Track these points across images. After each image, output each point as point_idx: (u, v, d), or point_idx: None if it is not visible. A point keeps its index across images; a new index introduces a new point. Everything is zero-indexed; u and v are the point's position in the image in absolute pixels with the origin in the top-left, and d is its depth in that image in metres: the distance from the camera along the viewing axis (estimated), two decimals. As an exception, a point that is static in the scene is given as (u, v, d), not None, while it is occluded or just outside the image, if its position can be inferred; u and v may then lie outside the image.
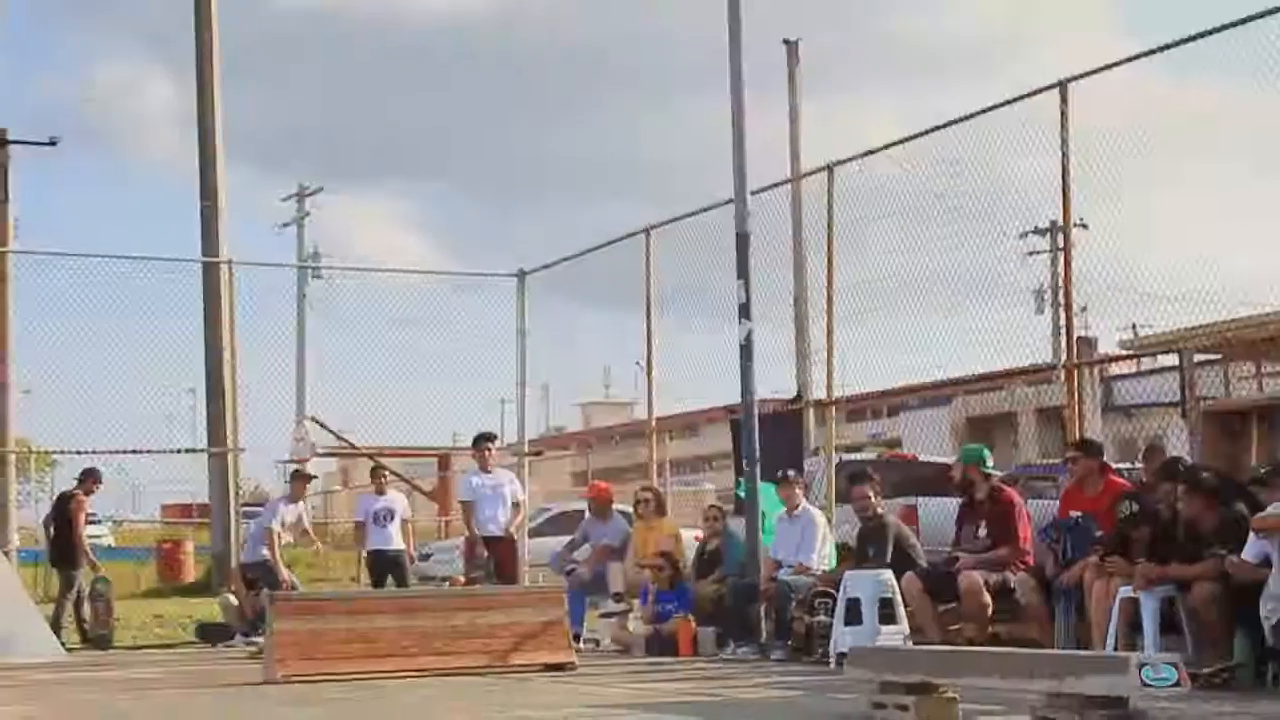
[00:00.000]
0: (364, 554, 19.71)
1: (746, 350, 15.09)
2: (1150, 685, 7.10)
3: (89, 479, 19.05)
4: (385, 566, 18.76)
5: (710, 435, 46.98)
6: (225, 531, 24.05)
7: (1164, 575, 10.86)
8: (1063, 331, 16.17)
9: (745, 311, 15.12)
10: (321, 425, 26.44)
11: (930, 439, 31.15)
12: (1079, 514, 12.34)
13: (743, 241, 15.22)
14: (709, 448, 51.06)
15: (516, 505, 17.88)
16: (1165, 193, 15.29)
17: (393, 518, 18.89)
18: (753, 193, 15.78)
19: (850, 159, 17.13)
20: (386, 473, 19.63)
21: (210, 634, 18.80)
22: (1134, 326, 23.63)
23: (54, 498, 21.42)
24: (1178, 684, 7.15)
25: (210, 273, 24.61)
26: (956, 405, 35.91)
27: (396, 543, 18.85)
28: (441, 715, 9.50)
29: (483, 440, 18.01)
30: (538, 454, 25.76)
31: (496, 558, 17.40)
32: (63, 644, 17.15)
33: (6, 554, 22.34)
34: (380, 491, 19.39)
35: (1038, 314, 32.04)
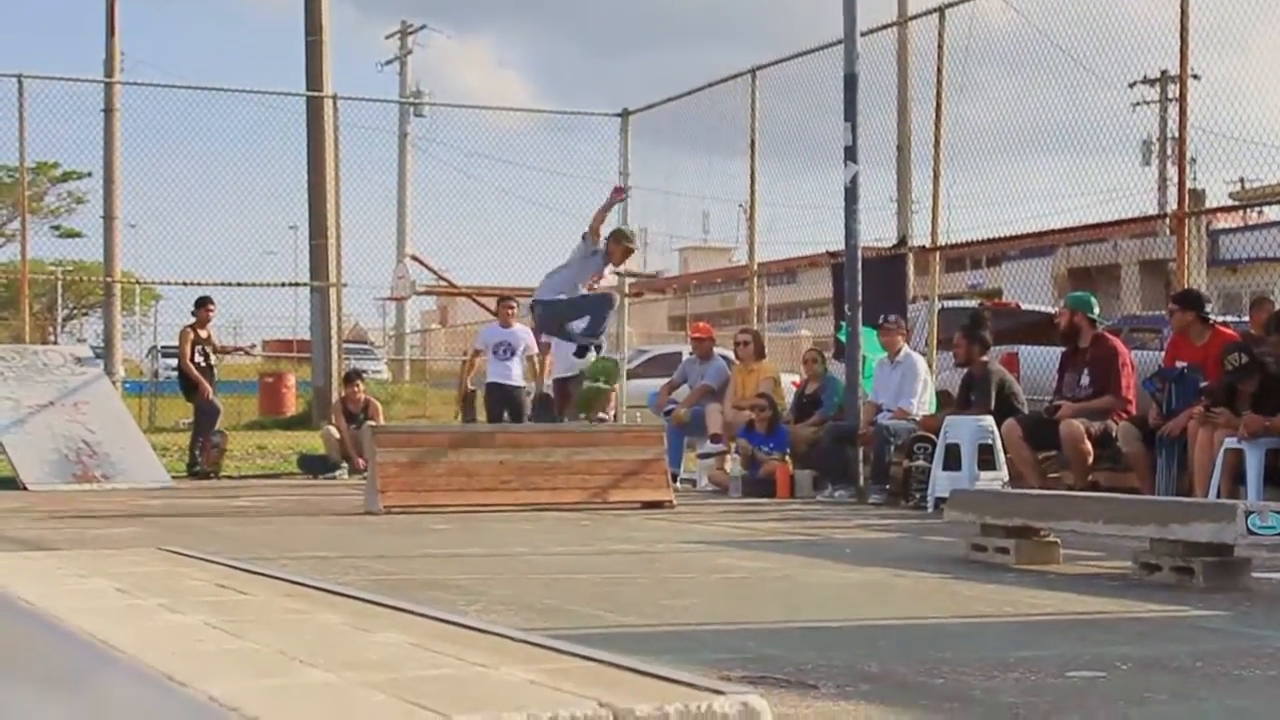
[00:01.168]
0: (472, 388, 19.32)
1: (851, 193, 14.95)
2: (1256, 533, 7.04)
3: (200, 307, 19.14)
4: (503, 402, 18.23)
5: (807, 281, 46.76)
6: (326, 366, 24.30)
7: (1271, 426, 10.74)
8: (1170, 183, 15.94)
9: (851, 154, 14.96)
10: (421, 263, 26.51)
11: (1032, 289, 30.83)
12: (1184, 364, 12.21)
13: (851, 83, 15.03)
14: (806, 294, 50.91)
15: (530, 358, 18.29)
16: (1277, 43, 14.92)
17: (513, 353, 18.35)
18: (862, 34, 15.54)
19: (961, 0, 16.82)
20: (514, 304, 18.75)
21: (312, 465, 19.07)
22: (1242, 181, 23.25)
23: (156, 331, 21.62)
24: (1285, 533, 7.10)
25: (314, 108, 24.62)
26: (1059, 256, 35.57)
27: (516, 378, 18.36)
28: (542, 545, 9.58)
29: (502, 302, 18.95)
30: (637, 295, 25.75)
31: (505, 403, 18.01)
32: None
33: (113, 384, 22.62)
34: (505, 324, 18.64)
35: (1144, 166, 31.56)
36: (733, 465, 15.76)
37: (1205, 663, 5.04)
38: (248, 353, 26.91)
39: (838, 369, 15.75)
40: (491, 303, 28.11)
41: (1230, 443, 10.92)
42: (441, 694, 2.69)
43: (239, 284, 22.29)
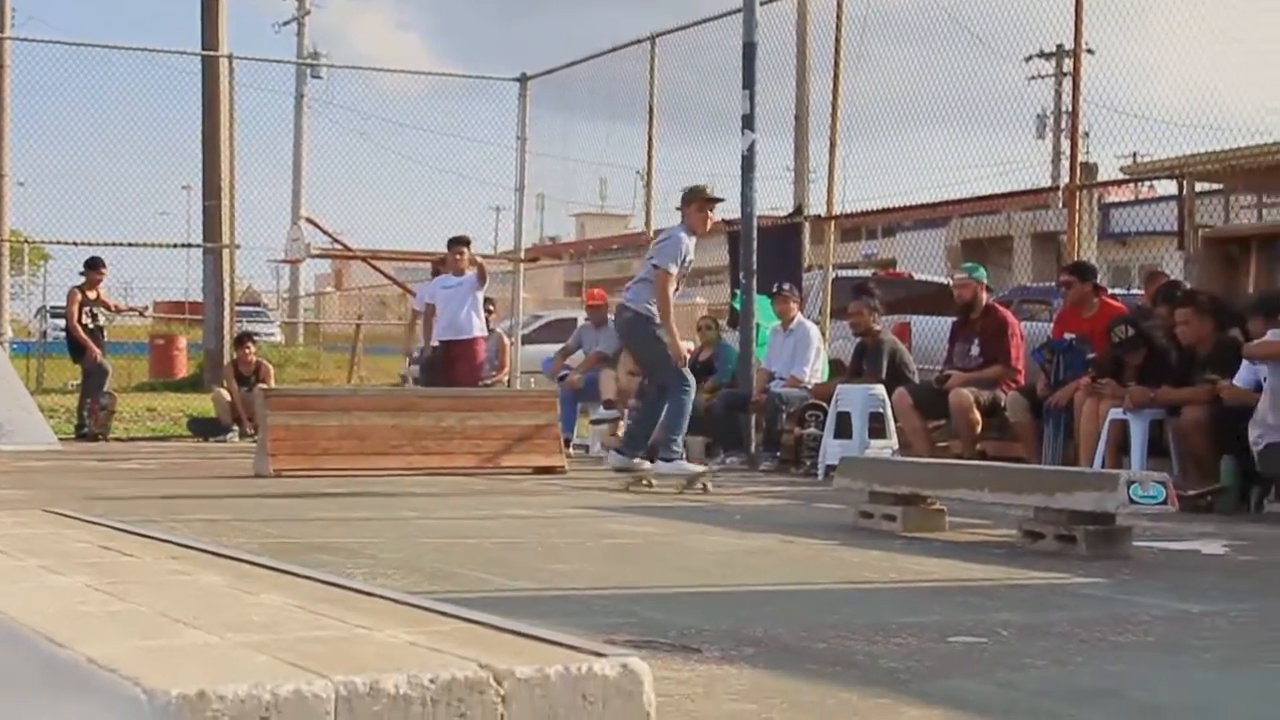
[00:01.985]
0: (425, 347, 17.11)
1: (748, 162, 15.00)
2: (1137, 503, 7.16)
3: (90, 269, 18.88)
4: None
5: (704, 249, 46.92)
6: (218, 329, 24.09)
7: (1155, 398, 10.91)
8: (1064, 156, 16.11)
9: (749, 123, 15.00)
10: (316, 226, 26.32)
11: (925, 260, 31.09)
12: (1073, 335, 12.36)
13: (749, 51, 15.06)
14: (702, 261, 50.98)
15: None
16: (1173, 21, 15.10)
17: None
18: (762, 3, 15.57)
19: (860, -30, 16.89)
20: (464, 249, 16.79)
21: (202, 428, 18.92)
22: (1134, 155, 23.53)
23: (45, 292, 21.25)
24: (1164, 503, 7.22)
25: (210, 68, 24.38)
26: (953, 227, 35.88)
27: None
28: (433, 509, 9.58)
29: (455, 243, 16.57)
30: (533, 260, 25.71)
31: (455, 360, 16.15)
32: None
33: (0, 345, 22.33)
34: (457, 272, 16.54)
35: (1038, 139, 31.84)
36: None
37: (1084, 629, 5.13)
38: (142, 314, 26.59)
39: (732, 336, 15.82)
40: (388, 267, 28.02)
41: (1115, 414, 11.08)
42: (322, 655, 2.69)
43: (130, 244, 22.03)
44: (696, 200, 12.03)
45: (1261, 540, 8.37)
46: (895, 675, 4.23)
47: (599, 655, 2.72)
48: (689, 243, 11.92)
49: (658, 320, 11.80)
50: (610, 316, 17.57)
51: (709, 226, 12.36)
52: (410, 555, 7.04)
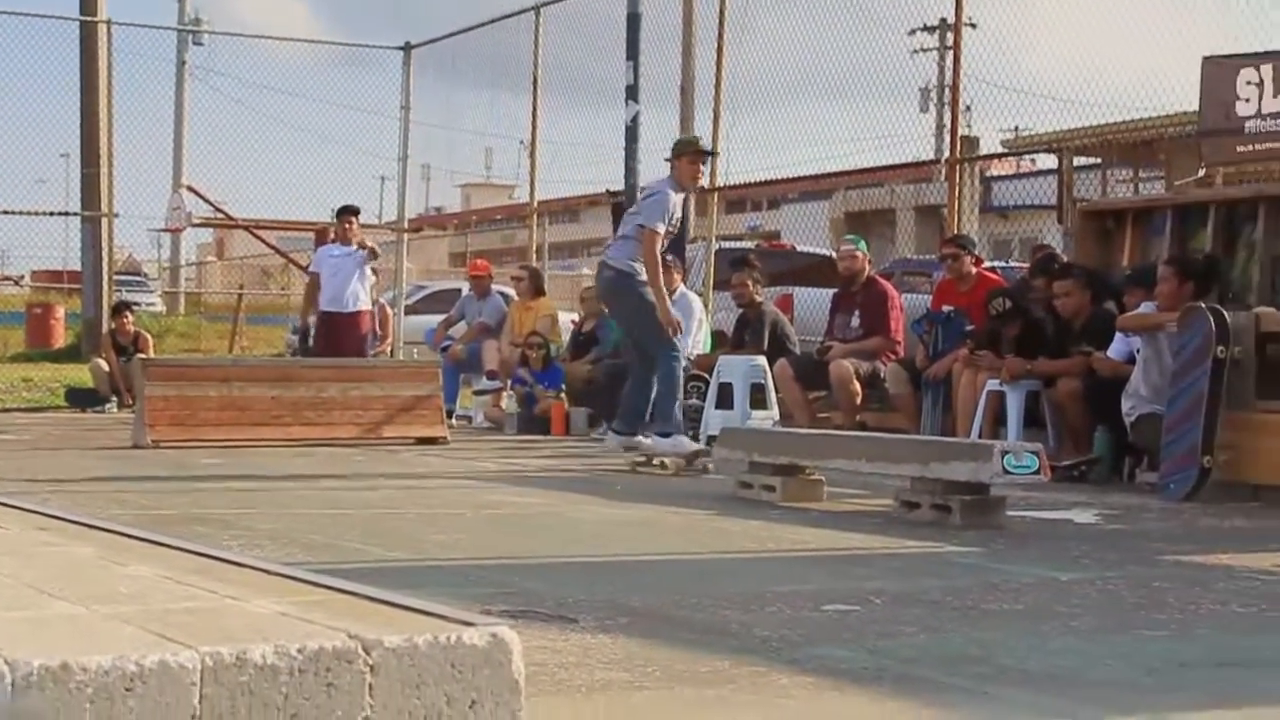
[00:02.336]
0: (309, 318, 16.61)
1: (632, 133, 15.05)
2: (1011, 472, 7.26)
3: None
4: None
5: (590, 220, 46.96)
6: (97, 298, 23.78)
7: (1031, 370, 11.04)
8: (946, 130, 16.25)
9: (633, 94, 15.05)
10: (198, 195, 26.02)
11: (809, 232, 31.24)
12: (951, 308, 12.48)
13: (634, 22, 15.09)
14: (588, 233, 51.07)
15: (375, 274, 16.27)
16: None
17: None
18: (646, -27, 15.60)
19: (744, -57, 16.93)
20: (354, 218, 16.48)
21: (80, 399, 18.67)
22: (1016, 129, 23.78)
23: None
24: (1037, 472, 7.32)
25: (88, 33, 23.99)
26: (836, 200, 36.07)
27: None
28: (313, 480, 9.52)
29: (345, 212, 16.25)
30: (417, 230, 25.59)
31: (339, 333, 15.74)
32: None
33: None
34: (346, 243, 16.18)
35: (922, 112, 32.07)
36: (509, 402, 15.78)
37: (955, 597, 5.20)
38: (16, 283, 26.20)
39: (616, 308, 15.81)
40: (271, 237, 27.76)
41: (992, 385, 11.21)
42: (190, 626, 2.68)
43: (6, 212, 21.70)
44: (688, 153, 11.02)
45: (1132, 509, 8.51)
46: (768, 643, 4.27)
47: (468, 625, 2.73)
48: (676, 199, 10.87)
49: (642, 276, 10.68)
50: (494, 288, 17.55)
51: (698, 181, 11.49)
52: (288, 526, 7.00)
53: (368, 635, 2.62)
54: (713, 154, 11.57)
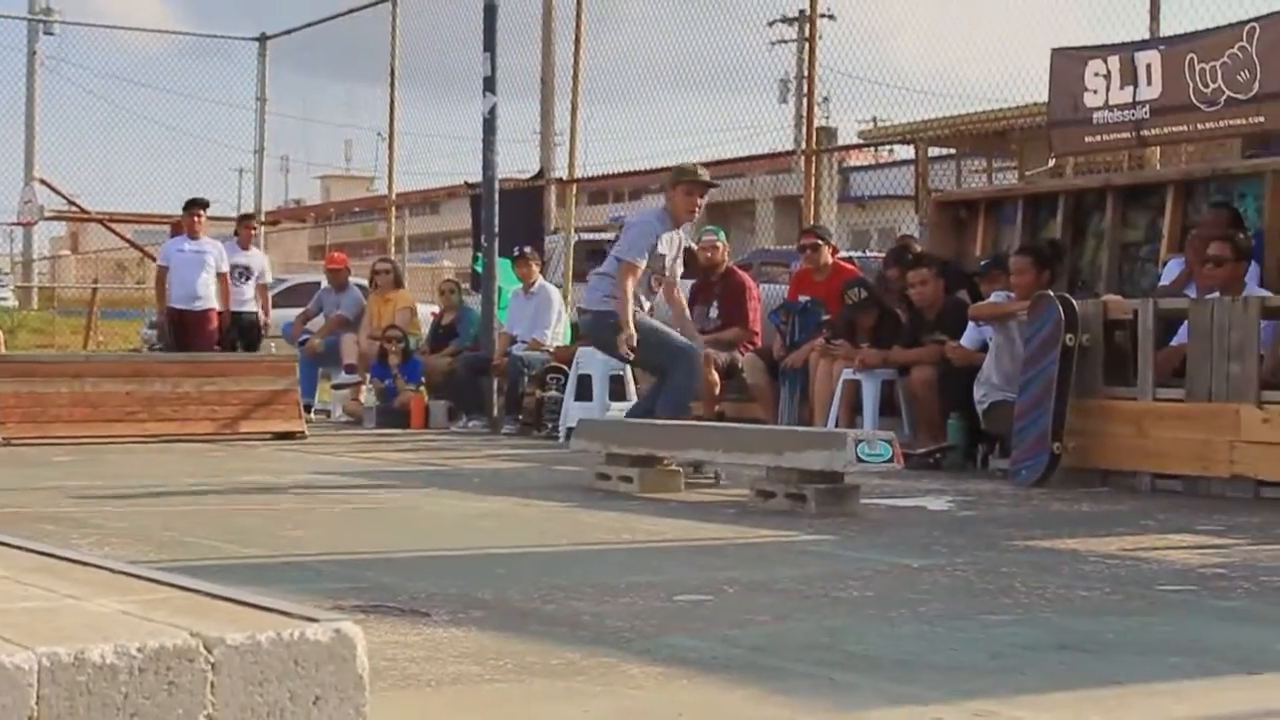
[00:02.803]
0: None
1: (489, 125, 14.99)
2: (865, 461, 7.35)
3: None
4: (239, 330, 16.39)
5: (449, 211, 46.75)
6: (-53, 293, 23.33)
7: (885, 359, 11.17)
8: (804, 121, 16.37)
9: (490, 85, 14.99)
10: (50, 188, 25.64)
11: (671, 223, 31.33)
12: (807, 298, 12.59)
13: (491, 13, 15.04)
14: (448, 224, 50.80)
15: (221, 275, 16.13)
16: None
17: (249, 277, 16.66)
18: (501, -36, 15.56)
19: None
20: (255, 225, 17.13)
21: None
22: (874, 120, 24.02)
23: None
24: (891, 460, 7.42)
25: (-68, 23, 23.55)
26: (698, 190, 36.18)
27: (252, 305, 16.64)
28: (167, 477, 9.43)
29: (193, 205, 16.15)
30: (275, 224, 25.37)
31: (187, 331, 15.81)
32: None
33: None
34: (244, 246, 16.75)
35: (781, 103, 32.27)
36: (368, 395, 15.70)
37: (807, 585, 5.25)
38: None
39: (474, 300, 15.81)
40: (126, 230, 27.42)
41: (848, 374, 11.32)
42: (28, 625, 2.65)
43: None
44: (684, 182, 9.69)
45: (985, 496, 8.64)
46: (620, 634, 4.29)
47: (311, 620, 2.72)
48: (665, 231, 9.61)
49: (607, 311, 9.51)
50: (352, 280, 17.44)
51: (695, 215, 10.04)
52: (140, 524, 6.93)
53: (209, 633, 2.61)
54: (710, 185, 9.96)
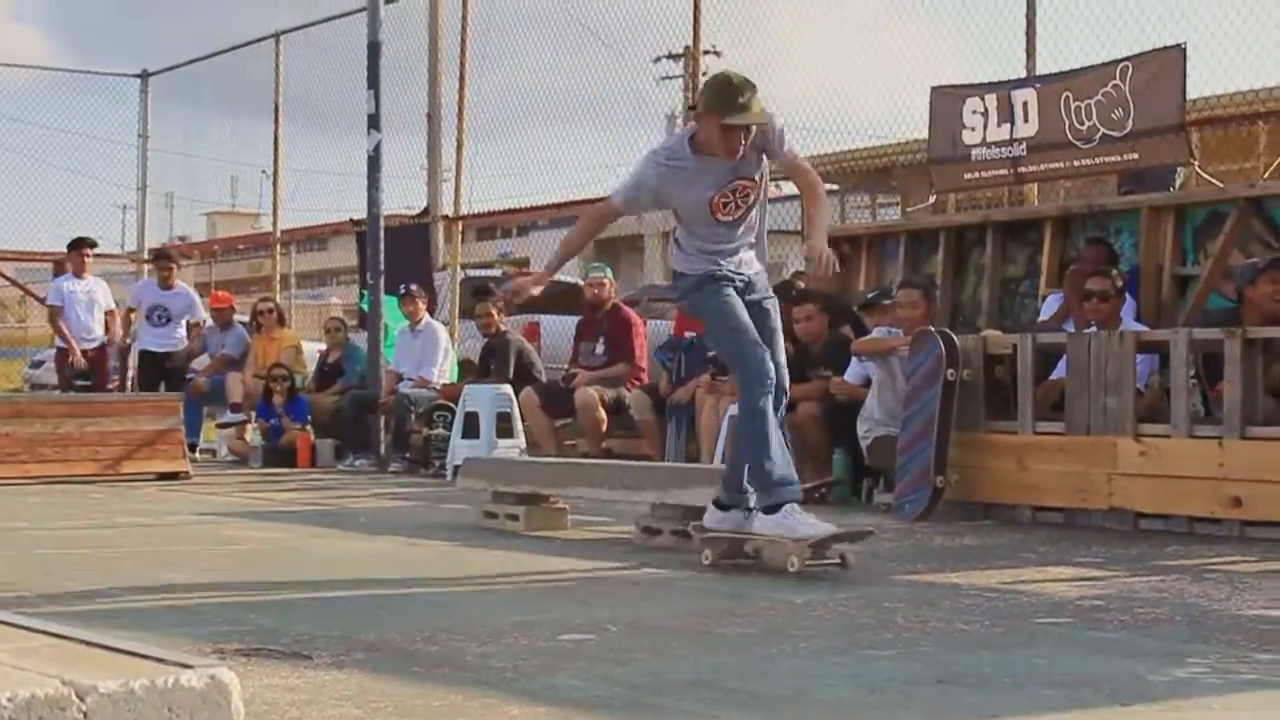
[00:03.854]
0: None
1: (374, 162, 14.97)
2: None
3: None
4: (157, 372, 16.23)
5: (338, 248, 46.49)
6: None
7: (771, 394, 11.23)
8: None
9: (375, 123, 14.97)
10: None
11: (558, 259, 31.35)
12: (694, 334, 12.65)
13: (374, 50, 15.03)
14: (336, 261, 50.53)
15: (109, 312, 16.40)
16: (797, 28, 15.62)
17: (170, 318, 16.41)
18: (388, 1, 15.57)
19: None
20: (174, 264, 16.83)
21: None
22: (763, 155, 24.12)
23: None
24: (773, 496, 7.45)
25: None
26: (586, 227, 36.21)
27: (173, 346, 16.45)
28: (46, 519, 9.31)
29: (80, 244, 16.33)
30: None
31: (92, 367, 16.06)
32: None
33: None
34: (165, 286, 16.47)
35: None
36: (253, 434, 15.57)
37: (690, 622, 5.28)
38: None
39: (360, 337, 15.75)
40: (8, 268, 27.01)
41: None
42: (-104, 677, 2.62)
43: None
44: (718, 109, 6.62)
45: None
46: (503, 675, 4.29)
47: (186, 667, 2.71)
48: (672, 161, 6.79)
49: (685, 276, 6.99)
50: (237, 318, 17.31)
51: (739, 154, 6.67)
52: (17, 568, 6.84)
53: (82, 681, 2.59)
54: (751, 117, 6.62)
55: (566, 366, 13.76)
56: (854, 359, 10.73)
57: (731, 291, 6.89)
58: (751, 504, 6.78)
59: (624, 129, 20.79)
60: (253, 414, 15.72)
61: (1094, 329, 9.46)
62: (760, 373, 6.75)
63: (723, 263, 6.92)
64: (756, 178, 6.87)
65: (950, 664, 4.52)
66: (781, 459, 6.77)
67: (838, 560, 6.56)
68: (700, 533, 6.99)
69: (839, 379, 10.83)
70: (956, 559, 7.38)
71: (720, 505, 6.94)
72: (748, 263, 7.02)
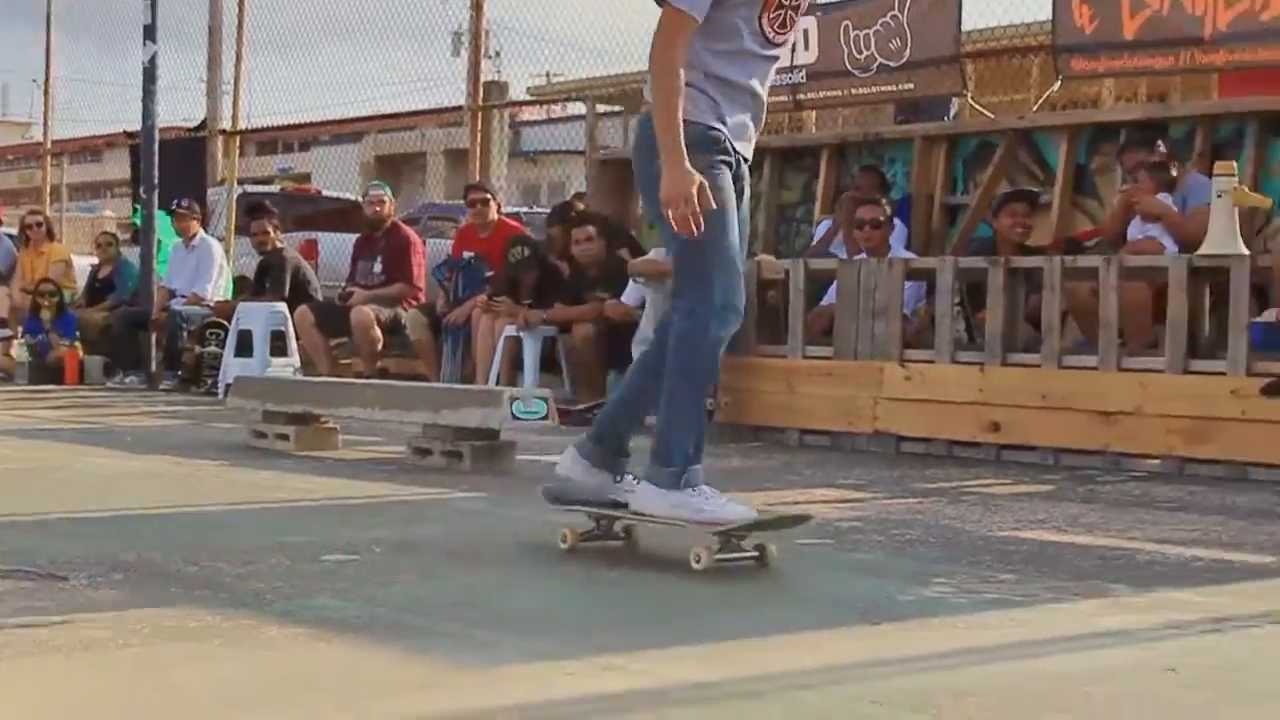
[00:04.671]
0: None
1: (150, 74, 14.65)
2: (520, 418, 7.43)
3: None
4: None
5: (113, 160, 45.52)
6: None
7: (546, 316, 11.27)
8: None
9: (150, 34, 14.65)
10: None
11: (340, 175, 31.04)
12: (471, 254, 12.63)
13: (150, -42, 14.68)
14: (111, 173, 49.44)
15: None
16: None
17: None
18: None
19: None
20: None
21: None
22: (548, 75, 24.09)
23: None
24: (546, 418, 7.52)
25: None
26: (367, 143, 35.89)
27: None
28: None
29: None
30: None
31: None
32: None
33: None
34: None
35: (454, 56, 32.17)
36: (20, 351, 15.19)
37: (455, 543, 5.31)
38: None
39: (132, 252, 15.45)
40: None
41: (510, 331, 11.40)
42: None
43: None
44: None
45: (639, 451, 8.75)
46: (262, 596, 4.28)
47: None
48: None
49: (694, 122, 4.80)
50: (2, 231, 16.88)
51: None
52: None
53: None
54: None
55: (343, 285, 13.64)
56: (632, 281, 10.79)
57: (730, 182, 4.87)
58: (624, 471, 5.19)
59: (408, 46, 20.61)
60: (19, 329, 15.34)
61: (864, 256, 9.63)
62: (730, 305, 4.86)
63: (745, 120, 4.93)
64: None
65: (705, 585, 4.60)
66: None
67: (754, 554, 4.89)
68: (638, 517, 5.07)
69: (614, 301, 10.89)
70: (723, 481, 7.42)
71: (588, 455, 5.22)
72: (752, 134, 5.01)
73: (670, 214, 4.63)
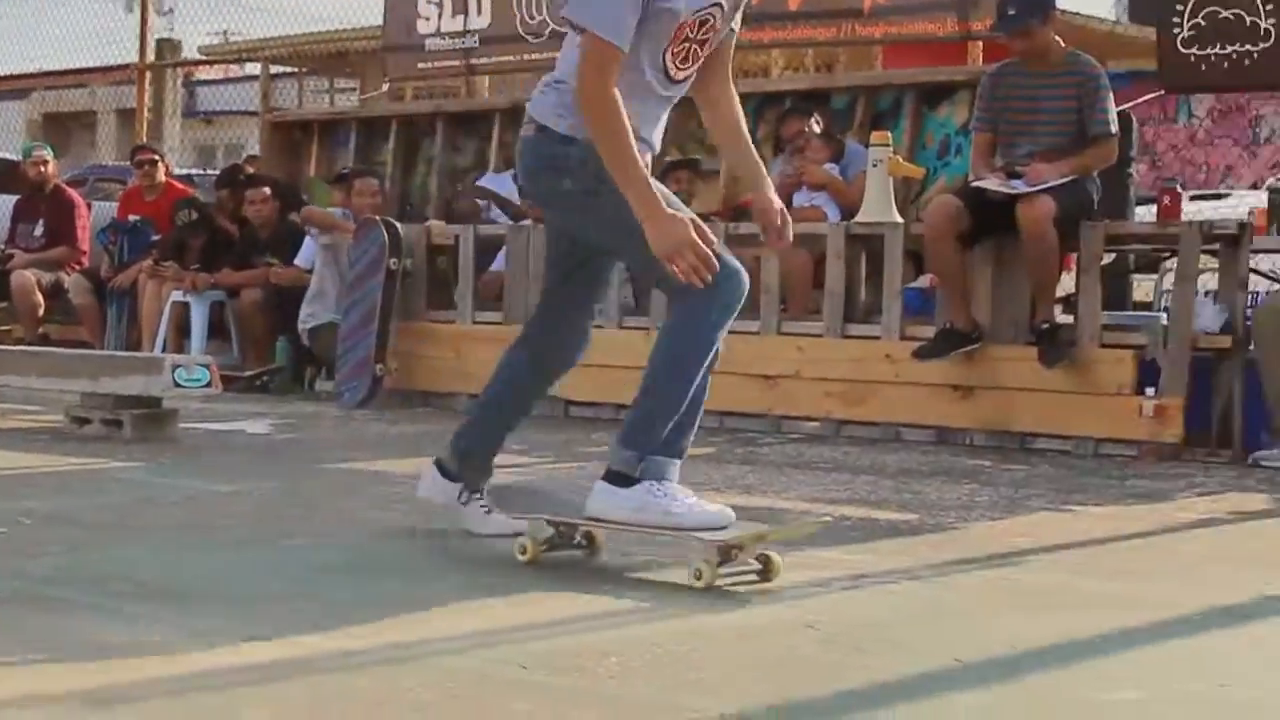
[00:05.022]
0: None
1: None
2: (183, 386, 7.32)
3: None
4: None
5: None
6: None
7: (214, 281, 11.09)
8: (151, 33, 16.01)
9: None
10: None
11: (4, 134, 29.98)
12: (137, 217, 12.36)
13: None
14: None
15: None
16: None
17: None
18: None
19: None
20: None
21: None
22: (225, 34, 23.63)
23: None
24: (209, 385, 7.41)
25: None
26: (34, 100, 34.71)
27: None
28: None
29: None
30: None
31: None
32: None
33: None
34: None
35: (128, 13, 31.35)
36: None
37: (109, 514, 5.21)
38: None
39: None
40: None
41: (177, 296, 11.18)
42: None
43: None
44: None
45: (307, 419, 8.74)
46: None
47: None
48: None
49: (575, 137, 4.47)
50: None
51: None
52: None
53: None
54: None
55: (3, 248, 13.19)
56: (306, 244, 10.66)
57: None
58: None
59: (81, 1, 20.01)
60: None
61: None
62: (736, 287, 4.44)
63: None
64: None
65: (365, 551, 4.62)
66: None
67: (758, 568, 4.30)
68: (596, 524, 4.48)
69: (280, 267, 10.77)
70: (389, 446, 7.49)
71: (444, 470, 4.97)
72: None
73: (677, 268, 4.20)
